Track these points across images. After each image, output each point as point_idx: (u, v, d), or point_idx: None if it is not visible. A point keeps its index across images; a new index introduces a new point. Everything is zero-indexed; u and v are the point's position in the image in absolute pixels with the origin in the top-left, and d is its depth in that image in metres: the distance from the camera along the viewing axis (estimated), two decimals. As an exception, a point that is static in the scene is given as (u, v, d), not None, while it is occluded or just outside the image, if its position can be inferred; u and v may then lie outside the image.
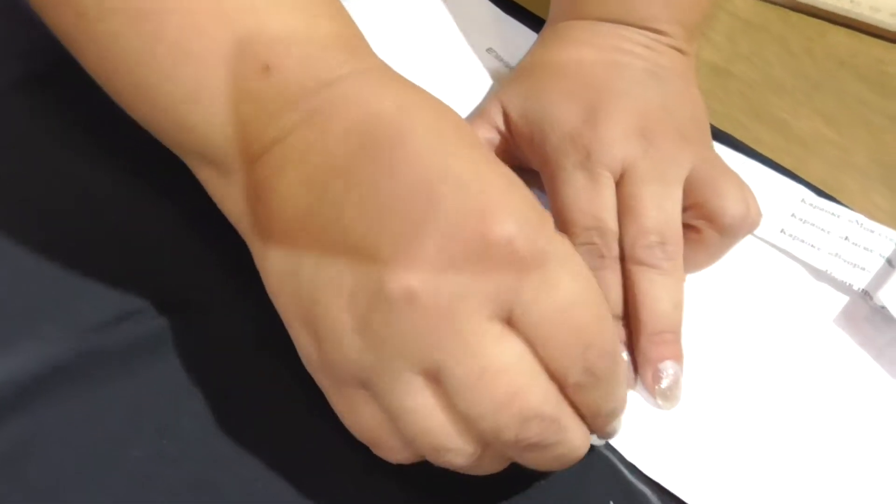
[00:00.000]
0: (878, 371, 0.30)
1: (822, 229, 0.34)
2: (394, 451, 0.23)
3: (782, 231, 0.34)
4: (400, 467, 0.24)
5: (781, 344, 0.31)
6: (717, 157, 0.32)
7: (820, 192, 0.36)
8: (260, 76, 0.23)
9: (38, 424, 0.27)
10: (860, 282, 0.32)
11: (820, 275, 0.33)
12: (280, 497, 0.26)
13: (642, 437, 0.28)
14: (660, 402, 0.29)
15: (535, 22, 0.42)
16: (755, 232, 0.34)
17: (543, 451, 0.22)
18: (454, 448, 0.22)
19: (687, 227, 0.30)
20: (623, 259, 0.30)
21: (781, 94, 0.42)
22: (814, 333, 0.31)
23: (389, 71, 0.25)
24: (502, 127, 0.34)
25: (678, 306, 0.30)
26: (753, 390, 0.30)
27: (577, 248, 0.28)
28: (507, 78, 0.36)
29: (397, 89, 0.24)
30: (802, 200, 0.35)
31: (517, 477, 0.26)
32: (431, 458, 0.23)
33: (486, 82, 0.40)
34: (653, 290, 0.29)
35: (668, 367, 0.29)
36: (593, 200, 0.30)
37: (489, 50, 0.42)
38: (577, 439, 0.23)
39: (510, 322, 0.21)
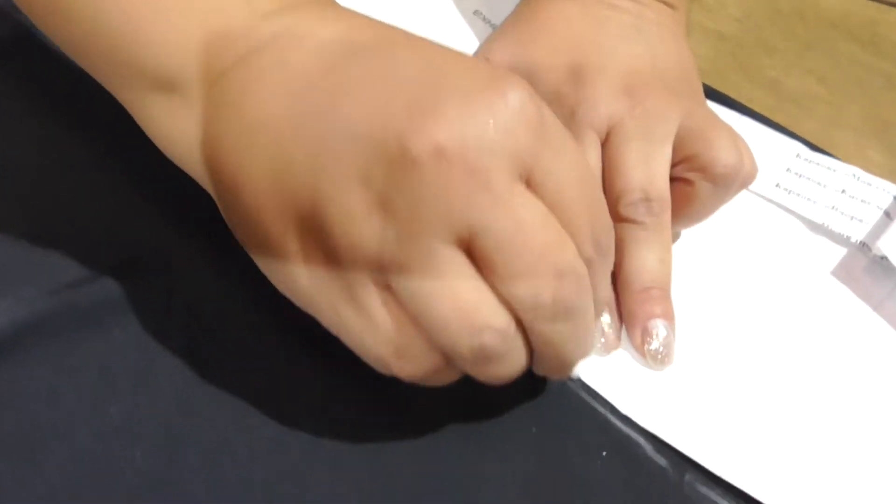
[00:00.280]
0: (877, 322, 0.30)
1: (819, 183, 0.33)
2: (417, 358, 0.22)
3: (777, 185, 0.34)
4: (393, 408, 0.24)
5: (780, 297, 0.30)
6: (707, 110, 0.31)
7: (815, 148, 0.35)
8: None
9: (9, 381, 0.26)
10: (858, 234, 0.32)
11: (817, 228, 0.32)
12: (255, 445, 0.25)
13: (635, 388, 0.27)
14: (649, 362, 0.28)
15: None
16: (750, 187, 0.33)
17: (570, 319, 0.21)
18: (491, 323, 0.21)
19: (681, 180, 0.30)
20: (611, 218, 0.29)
21: (773, 54, 0.41)
22: (812, 286, 0.31)
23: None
24: (488, 84, 0.33)
25: (664, 262, 0.29)
26: (751, 342, 0.29)
27: None
28: (492, 36, 0.36)
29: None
30: (797, 155, 0.35)
31: (509, 431, 0.26)
32: (461, 349, 0.21)
33: (473, 45, 0.39)
34: (637, 246, 0.28)
35: (657, 327, 0.28)
36: None
37: (476, 13, 0.41)
38: (591, 318, 0.23)
39: (529, 187, 0.21)
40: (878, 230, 0.31)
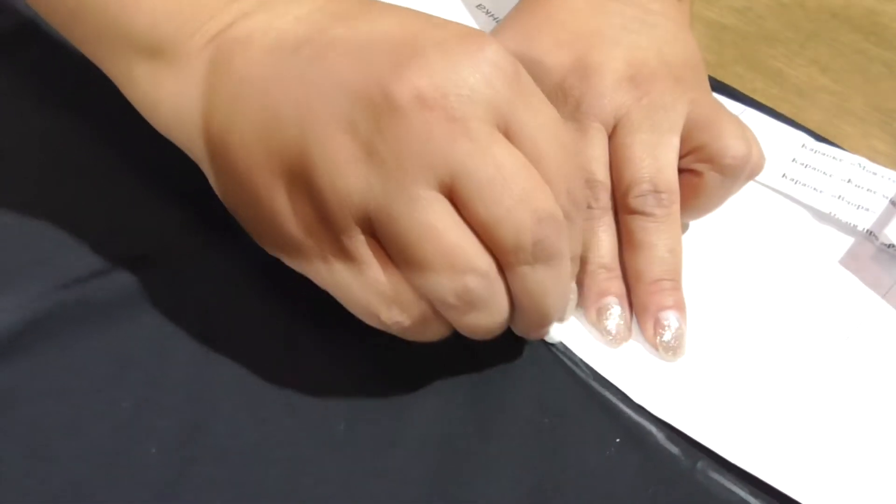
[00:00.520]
0: (886, 309, 0.30)
1: (825, 173, 0.34)
2: (405, 306, 0.22)
3: (784, 176, 0.34)
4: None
5: (789, 286, 0.30)
6: (714, 100, 0.32)
7: (819, 138, 0.36)
8: None
9: (20, 377, 0.26)
10: (865, 222, 0.32)
11: (824, 217, 0.32)
12: (269, 435, 0.25)
13: (646, 377, 0.27)
14: (662, 354, 0.28)
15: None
16: (757, 177, 0.33)
17: (549, 264, 0.22)
18: (474, 265, 0.21)
19: (689, 171, 0.30)
20: (620, 210, 0.29)
21: (775, 44, 0.41)
22: (821, 274, 0.31)
23: None
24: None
25: (675, 253, 0.29)
26: (761, 331, 0.29)
27: None
28: (497, 28, 0.36)
29: None
30: (803, 146, 0.35)
31: (519, 422, 0.26)
32: (446, 294, 0.22)
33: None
34: (647, 238, 0.29)
35: (669, 318, 0.28)
36: (582, 152, 0.29)
37: (479, 6, 0.41)
38: (568, 268, 0.23)
39: (506, 137, 0.22)
40: (885, 219, 0.32)
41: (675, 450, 0.26)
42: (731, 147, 0.28)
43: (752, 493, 0.25)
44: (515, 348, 0.28)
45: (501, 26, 0.34)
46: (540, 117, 0.22)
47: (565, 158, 0.23)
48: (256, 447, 0.25)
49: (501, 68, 0.22)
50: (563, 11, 0.33)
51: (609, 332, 0.28)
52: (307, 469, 0.25)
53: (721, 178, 0.29)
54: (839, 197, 0.33)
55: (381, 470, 0.25)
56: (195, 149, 0.25)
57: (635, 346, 0.28)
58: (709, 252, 0.31)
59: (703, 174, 0.29)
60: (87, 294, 0.28)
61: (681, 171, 0.29)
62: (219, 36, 0.24)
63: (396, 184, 0.21)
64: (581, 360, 0.27)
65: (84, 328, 0.27)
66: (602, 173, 0.29)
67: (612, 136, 0.29)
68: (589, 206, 0.29)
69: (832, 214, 0.32)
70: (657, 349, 0.28)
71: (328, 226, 0.22)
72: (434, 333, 0.24)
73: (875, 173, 0.33)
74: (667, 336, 0.28)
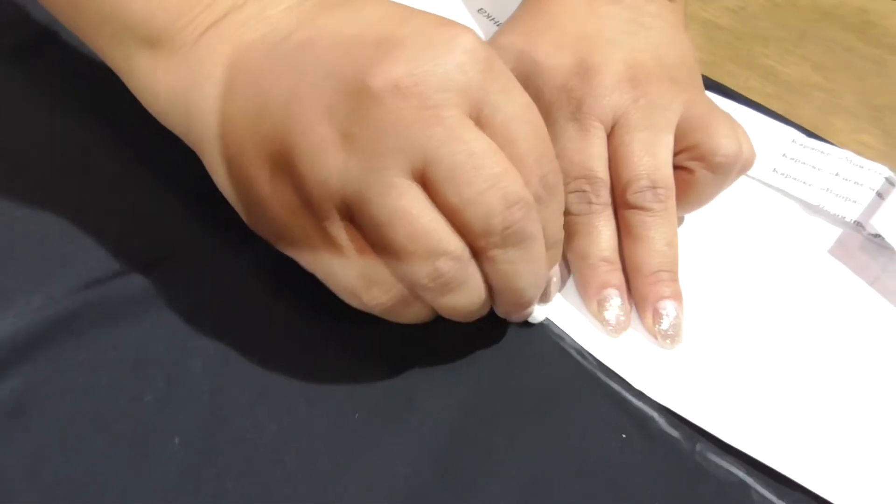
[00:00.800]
0: (874, 296, 0.31)
1: (814, 167, 0.35)
2: (383, 287, 0.23)
3: (775, 170, 0.35)
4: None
5: (781, 276, 0.31)
6: (707, 100, 0.33)
7: (810, 134, 0.37)
8: None
9: (47, 373, 0.27)
10: (852, 214, 0.33)
11: (813, 209, 0.34)
12: (286, 426, 0.26)
13: (646, 365, 0.28)
14: (661, 341, 0.29)
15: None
16: (749, 172, 0.35)
17: (520, 247, 0.23)
18: (446, 249, 0.22)
19: (682, 168, 0.31)
20: (619, 206, 0.31)
21: (768, 43, 0.42)
22: (811, 264, 0.32)
23: None
24: (498, 78, 0.34)
25: (672, 245, 0.30)
26: (755, 318, 0.30)
27: (567, 195, 0.29)
28: (499, 32, 0.37)
29: None
30: (793, 141, 0.36)
31: (524, 415, 0.27)
32: (420, 276, 0.23)
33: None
34: (645, 231, 0.30)
35: (667, 307, 0.29)
36: (583, 150, 0.30)
37: (480, 10, 0.42)
38: (542, 251, 0.24)
39: (479, 123, 0.23)
40: (871, 210, 0.33)
41: (675, 433, 0.27)
42: (722, 146, 0.30)
43: (748, 473, 0.26)
44: (520, 338, 0.29)
45: (503, 29, 0.36)
46: (513, 104, 0.23)
47: (537, 143, 0.24)
48: (274, 437, 0.26)
49: (475, 56, 0.22)
50: (563, 15, 0.34)
51: (609, 322, 0.29)
52: (323, 457, 0.26)
53: (712, 175, 0.30)
54: (828, 190, 0.34)
55: (393, 457, 0.26)
56: (191, 136, 0.26)
57: (635, 335, 0.29)
58: (704, 244, 0.32)
59: (695, 171, 0.30)
60: (108, 294, 0.29)
61: (674, 168, 0.30)
62: (213, 26, 0.25)
63: (372, 170, 0.22)
64: (585, 350, 0.29)
65: (106, 326, 0.28)
66: (602, 171, 0.30)
67: (611, 135, 0.31)
68: (590, 202, 0.30)
69: (821, 206, 0.33)
70: (656, 337, 0.29)
71: (310, 210, 0.23)
72: (416, 314, 0.25)
73: (862, 166, 0.34)
74: (665, 324, 0.29)
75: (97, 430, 0.26)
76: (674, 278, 0.30)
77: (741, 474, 0.26)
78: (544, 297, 0.29)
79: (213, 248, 0.31)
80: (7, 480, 0.25)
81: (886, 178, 0.34)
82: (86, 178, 0.32)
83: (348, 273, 0.24)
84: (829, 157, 0.35)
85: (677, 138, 0.30)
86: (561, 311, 0.30)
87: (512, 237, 0.23)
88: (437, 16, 0.23)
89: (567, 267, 0.31)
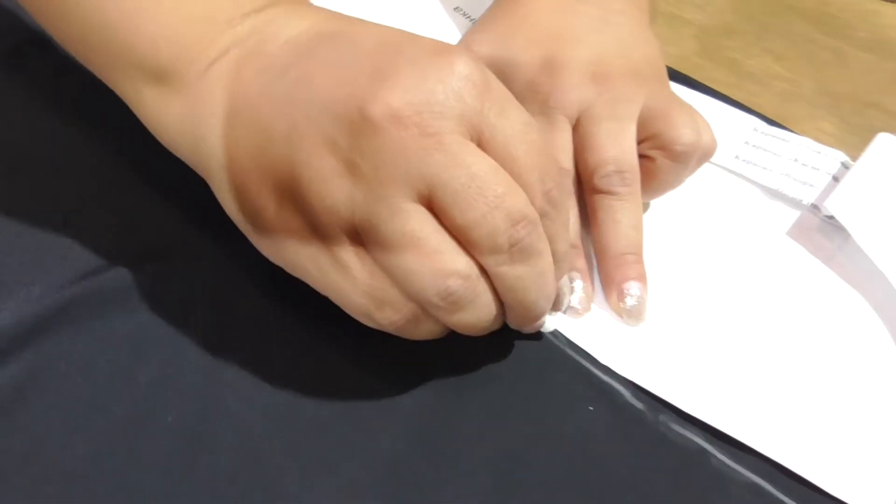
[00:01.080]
0: (828, 273, 0.33)
1: (774, 153, 0.37)
2: (394, 307, 0.24)
3: (737, 157, 0.37)
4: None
5: (741, 256, 0.33)
6: (670, 92, 0.34)
7: (771, 122, 0.39)
8: None
9: (49, 358, 0.28)
10: (809, 197, 0.35)
11: (773, 193, 0.36)
12: (274, 406, 0.28)
13: (612, 341, 0.30)
14: (626, 319, 0.31)
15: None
16: (712, 159, 0.36)
17: (528, 263, 0.24)
18: (455, 268, 0.23)
19: (644, 157, 0.32)
20: (586, 192, 0.32)
21: (732, 36, 0.44)
22: (770, 244, 0.34)
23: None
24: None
25: (637, 228, 0.32)
26: (717, 295, 0.32)
27: None
28: (472, 29, 0.38)
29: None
30: (754, 129, 0.38)
31: (497, 391, 0.29)
32: (430, 296, 0.23)
33: (454, 39, 0.42)
34: (612, 215, 0.31)
35: (632, 288, 0.31)
36: (550, 143, 0.32)
37: (457, 9, 0.44)
38: (551, 264, 0.25)
39: (480, 145, 0.23)
40: (827, 193, 0.34)
41: (640, 405, 0.29)
42: (682, 136, 0.31)
43: (707, 441, 0.28)
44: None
45: (477, 27, 0.37)
46: (511, 124, 0.24)
47: (539, 161, 0.24)
48: (264, 415, 0.28)
49: (471, 81, 0.23)
50: (533, 13, 0.36)
51: (567, 300, 0.31)
52: (311, 435, 0.27)
53: (672, 163, 0.31)
54: (787, 174, 0.36)
55: (374, 430, 0.27)
56: (200, 166, 0.27)
57: (602, 314, 0.31)
58: (669, 228, 0.34)
59: (656, 159, 0.31)
60: (104, 284, 0.30)
61: (638, 156, 0.32)
62: (217, 61, 0.26)
63: (377, 197, 0.22)
64: (554, 329, 0.30)
65: (103, 315, 0.30)
66: (567, 161, 0.32)
67: (576, 127, 0.32)
68: None
69: (780, 190, 0.35)
70: (621, 315, 0.31)
71: (319, 236, 0.24)
72: (428, 331, 0.26)
73: (819, 152, 0.36)
74: (629, 303, 0.31)
75: (95, 411, 0.28)
76: (639, 260, 0.31)
77: (701, 442, 0.28)
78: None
79: (206, 241, 0.32)
80: (10, 461, 0.26)
81: (842, 163, 0.36)
82: (81, 177, 0.34)
83: (360, 294, 0.24)
84: (788, 143, 0.37)
85: (639, 128, 0.32)
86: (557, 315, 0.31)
87: (519, 254, 0.24)
88: (432, 40, 0.24)
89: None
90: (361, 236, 0.23)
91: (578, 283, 0.31)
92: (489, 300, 0.25)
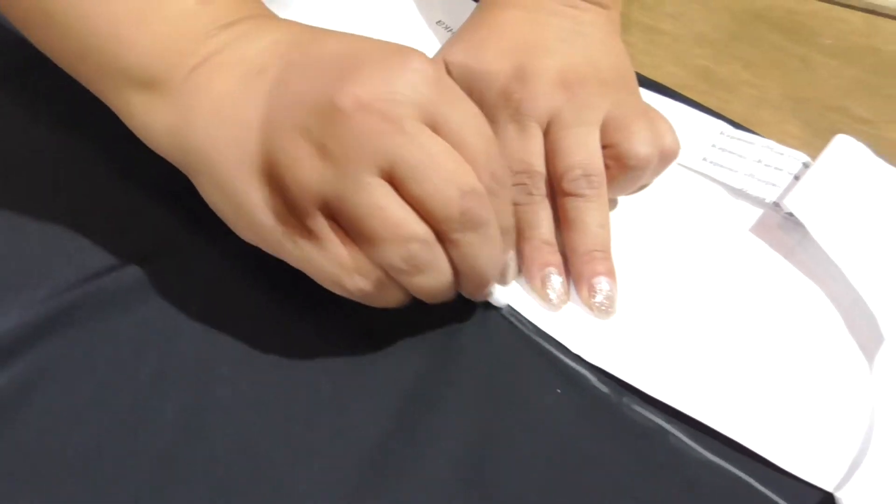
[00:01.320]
0: (788, 267, 0.35)
1: (739, 155, 0.39)
2: (363, 273, 0.27)
3: (704, 159, 0.39)
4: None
5: (708, 251, 0.35)
6: (636, 100, 0.36)
7: (738, 126, 0.41)
8: (198, 3, 0.29)
9: (54, 356, 0.31)
10: (772, 196, 0.37)
11: (737, 193, 0.37)
12: (265, 394, 0.30)
13: (581, 332, 0.32)
14: (595, 313, 0.33)
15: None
16: (681, 161, 0.38)
17: (477, 231, 0.27)
18: (415, 234, 0.26)
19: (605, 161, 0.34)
20: (557, 194, 0.34)
21: (704, 45, 0.46)
22: (734, 241, 0.36)
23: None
24: (447, 83, 0.38)
25: (604, 227, 0.34)
26: (683, 288, 0.34)
27: (511, 187, 0.33)
28: (450, 40, 0.41)
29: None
30: (721, 133, 0.40)
31: (472, 377, 0.31)
32: (394, 259, 0.26)
33: (436, 49, 0.44)
34: (580, 215, 0.33)
35: (601, 283, 0.33)
36: (523, 148, 0.34)
37: (439, 22, 0.46)
38: (497, 234, 0.28)
39: (434, 130, 0.27)
40: (788, 191, 0.36)
41: (604, 389, 0.31)
42: (637, 151, 0.33)
43: (667, 421, 0.30)
44: (468, 310, 0.32)
45: (454, 39, 0.39)
46: (461, 113, 0.27)
47: (486, 145, 0.27)
48: (255, 404, 0.30)
49: (425, 75, 0.26)
50: (505, 25, 0.38)
51: (550, 298, 0.33)
52: (299, 420, 0.29)
53: (625, 175, 0.34)
54: (751, 175, 0.38)
55: (358, 416, 0.29)
56: (186, 164, 0.30)
57: (572, 307, 0.33)
58: (639, 225, 0.36)
59: (611, 168, 0.34)
60: (105, 286, 0.33)
61: None
62: (198, 67, 0.28)
63: (345, 174, 0.25)
64: (526, 320, 0.32)
65: (104, 315, 0.32)
66: (540, 165, 0.34)
67: (546, 133, 0.34)
68: (531, 193, 0.34)
69: (744, 190, 0.37)
70: (591, 309, 0.33)
71: (295, 213, 0.27)
72: (393, 298, 0.29)
73: (782, 154, 0.38)
74: (599, 298, 0.33)
75: (98, 403, 0.30)
76: (607, 257, 0.33)
77: (661, 422, 0.30)
78: (503, 280, 0.33)
79: (199, 241, 0.34)
80: (19, 453, 0.28)
81: (804, 164, 0.38)
82: (80, 185, 0.36)
83: (331, 264, 0.27)
84: (753, 146, 0.39)
85: (602, 134, 0.34)
86: (508, 289, 0.33)
87: (469, 222, 0.27)
88: (392, 44, 0.27)
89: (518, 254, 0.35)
90: (332, 211, 0.26)
91: (556, 278, 0.33)
92: (445, 266, 0.28)
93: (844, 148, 0.37)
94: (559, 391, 0.30)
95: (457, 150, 0.26)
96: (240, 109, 0.27)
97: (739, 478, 0.28)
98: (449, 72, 0.38)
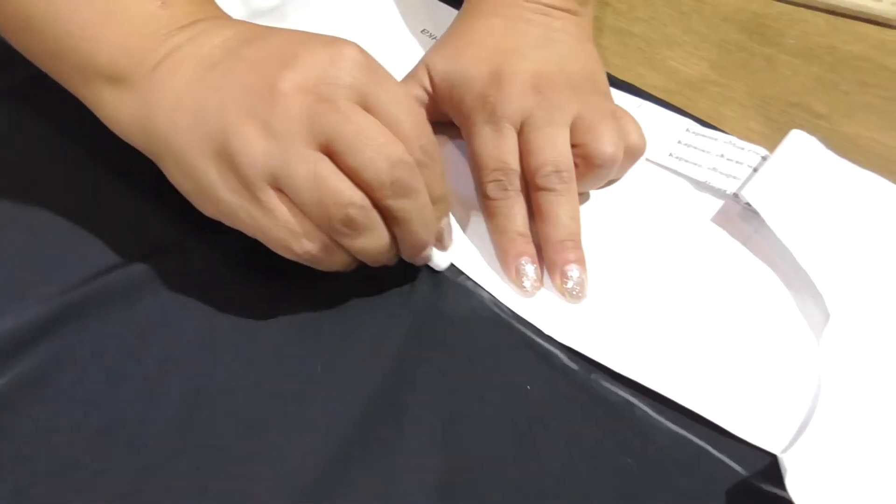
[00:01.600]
0: (745, 252, 0.37)
1: (703, 150, 0.41)
2: (309, 237, 0.30)
3: (670, 154, 0.41)
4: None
5: (672, 239, 0.38)
6: (602, 103, 0.38)
7: (703, 123, 0.43)
8: (159, 7, 0.32)
9: (67, 347, 0.33)
10: (732, 187, 0.39)
11: (701, 185, 0.40)
12: (262, 377, 0.33)
13: (554, 315, 0.35)
14: (567, 298, 0.35)
15: (461, 5, 0.49)
16: (649, 156, 0.41)
17: (408, 197, 0.30)
18: (352, 199, 0.29)
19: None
20: (530, 190, 0.37)
21: (674, 47, 0.49)
22: (697, 228, 0.38)
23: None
24: (429, 87, 0.41)
25: (575, 218, 0.36)
26: (648, 272, 0.36)
27: (487, 184, 0.36)
28: (433, 47, 0.43)
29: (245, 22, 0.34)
30: (687, 130, 0.42)
31: (449, 357, 0.33)
32: (335, 223, 0.29)
33: (420, 56, 0.47)
34: (552, 208, 0.36)
35: (572, 270, 0.36)
36: (497, 147, 0.37)
37: (423, 30, 0.49)
38: (428, 201, 0.31)
39: (367, 110, 0.30)
40: (747, 184, 0.39)
41: (575, 366, 0.33)
42: (602, 150, 0.36)
43: (632, 395, 0.33)
44: (448, 295, 0.35)
45: (435, 46, 0.42)
46: (391, 94, 0.30)
47: (415, 122, 0.31)
48: (253, 385, 0.32)
49: (357, 61, 0.30)
50: (483, 33, 0.40)
51: (524, 286, 0.36)
52: (292, 400, 0.32)
53: (592, 172, 0.36)
54: (713, 169, 0.40)
55: (344, 394, 0.32)
56: (150, 149, 0.33)
57: (546, 293, 0.36)
58: (609, 216, 0.39)
59: (579, 166, 0.36)
60: (112, 282, 0.35)
61: None
62: (159, 64, 0.32)
63: (288, 149, 0.28)
64: (504, 305, 0.35)
65: (113, 308, 0.34)
66: (514, 163, 0.37)
67: (520, 133, 0.37)
68: (505, 189, 0.36)
69: (707, 183, 0.40)
70: (563, 294, 0.35)
71: (247, 187, 0.29)
72: (339, 261, 0.32)
73: (743, 148, 0.41)
74: (570, 284, 0.35)
75: (109, 387, 0.32)
76: (577, 246, 0.36)
77: (627, 396, 0.32)
78: (440, 245, 0.36)
79: (198, 239, 0.37)
80: (40, 430, 0.31)
81: (762, 157, 0.40)
82: (88, 190, 0.39)
83: (281, 231, 0.30)
84: (716, 141, 0.42)
85: (572, 134, 0.36)
86: (486, 276, 0.36)
87: (399, 189, 0.30)
88: (327, 35, 0.31)
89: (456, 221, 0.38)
90: (279, 183, 0.29)
91: (530, 267, 0.36)
92: (382, 229, 0.31)
93: (798, 142, 0.39)
94: (531, 369, 0.33)
95: (388, 127, 0.30)
96: (196, 99, 0.30)
97: (698, 445, 0.31)
98: (432, 76, 0.40)
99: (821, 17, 0.51)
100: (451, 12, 0.49)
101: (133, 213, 0.38)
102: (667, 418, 0.32)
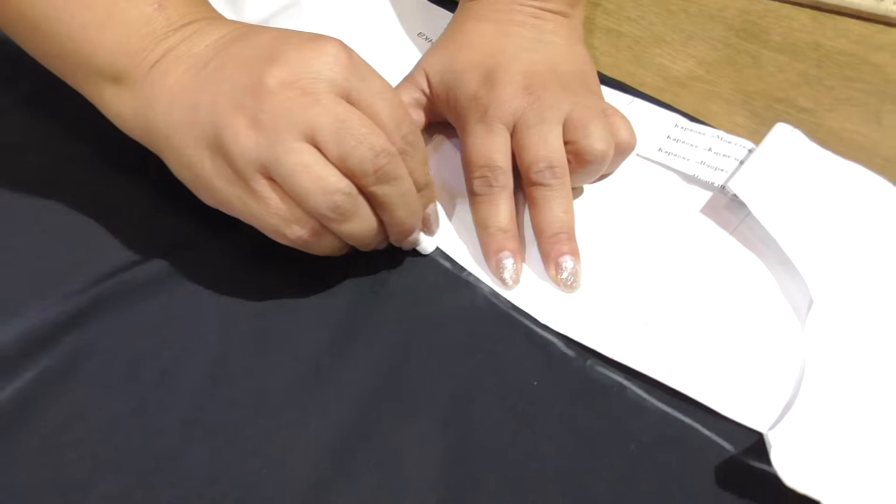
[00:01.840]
0: (733, 242, 0.39)
1: (691, 145, 0.43)
2: (300, 222, 0.32)
3: (660, 149, 0.43)
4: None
5: (663, 230, 0.40)
6: (593, 102, 0.40)
7: (691, 118, 0.45)
8: (155, 10, 0.34)
9: (91, 339, 0.35)
10: (720, 180, 0.41)
11: (690, 179, 0.42)
12: (272, 366, 0.35)
13: (549, 304, 0.36)
14: (562, 288, 0.37)
15: (455, 8, 0.51)
16: (639, 152, 0.43)
17: (392, 184, 0.32)
18: (338, 186, 0.31)
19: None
20: (525, 185, 0.38)
21: (662, 45, 0.50)
22: (686, 220, 0.40)
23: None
24: (427, 90, 0.42)
25: (568, 212, 0.38)
26: (639, 262, 0.38)
27: (473, 181, 0.38)
28: (429, 50, 0.45)
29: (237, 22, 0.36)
30: (675, 125, 0.44)
31: (451, 345, 0.35)
32: (323, 208, 0.31)
33: (417, 59, 0.48)
34: (546, 202, 0.38)
35: (566, 261, 0.37)
36: (486, 145, 0.38)
37: (420, 34, 0.50)
38: (411, 187, 0.33)
39: (350, 102, 0.32)
40: (734, 176, 0.41)
41: (571, 353, 0.35)
42: (593, 147, 0.37)
43: (625, 378, 0.34)
44: (448, 287, 0.37)
45: (431, 49, 0.44)
46: (373, 87, 0.32)
47: (396, 113, 0.32)
48: (266, 372, 0.34)
49: (338, 57, 0.31)
50: (476, 36, 0.42)
51: (504, 279, 0.37)
52: (303, 388, 0.34)
53: (584, 168, 0.38)
54: (701, 162, 0.42)
55: (345, 389, 0.34)
56: (151, 142, 0.35)
57: (541, 284, 0.37)
58: (602, 209, 0.40)
59: (572, 162, 0.38)
60: (131, 278, 0.37)
61: None
62: (157, 63, 0.34)
63: (276, 140, 0.30)
64: (502, 297, 0.37)
65: (132, 302, 0.36)
66: (502, 161, 0.38)
67: (514, 133, 0.39)
68: (490, 185, 0.38)
69: (696, 176, 0.41)
70: (558, 284, 0.37)
71: (240, 177, 0.31)
72: (329, 245, 0.34)
73: (730, 142, 0.43)
74: (564, 275, 0.37)
75: (129, 379, 0.34)
76: (571, 238, 0.38)
77: (621, 379, 0.34)
78: (427, 231, 0.38)
79: (212, 236, 0.39)
80: (68, 416, 0.33)
81: (749, 150, 0.42)
82: (103, 191, 0.41)
83: (273, 217, 0.32)
84: (704, 136, 0.43)
85: (564, 132, 0.38)
86: (485, 271, 0.38)
87: (383, 177, 0.32)
88: (311, 33, 0.33)
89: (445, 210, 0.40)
90: (270, 172, 0.31)
91: (510, 262, 0.37)
92: (369, 214, 0.33)
93: (783, 135, 0.41)
94: (530, 356, 0.35)
95: (371, 118, 0.32)
96: (190, 95, 0.32)
97: (688, 424, 0.33)
98: (429, 79, 0.42)
99: (805, 14, 0.52)
100: (446, 15, 0.51)
101: (148, 212, 0.40)
102: (657, 399, 0.34)
